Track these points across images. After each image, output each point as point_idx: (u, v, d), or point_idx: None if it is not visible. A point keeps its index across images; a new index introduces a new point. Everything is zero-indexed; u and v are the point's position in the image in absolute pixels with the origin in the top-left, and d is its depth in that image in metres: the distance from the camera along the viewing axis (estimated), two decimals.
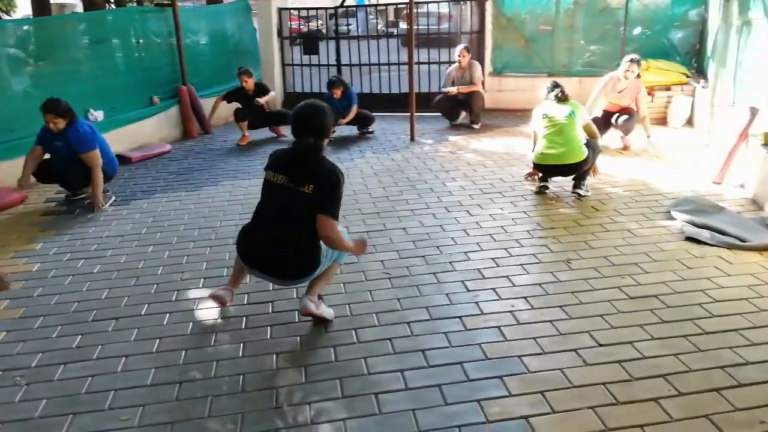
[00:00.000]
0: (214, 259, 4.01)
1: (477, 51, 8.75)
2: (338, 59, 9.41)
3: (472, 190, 5.24)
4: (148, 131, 7.34)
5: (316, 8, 9.71)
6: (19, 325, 3.23)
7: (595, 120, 5.79)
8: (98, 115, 6.65)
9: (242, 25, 9.52)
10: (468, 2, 8.94)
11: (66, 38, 6.77)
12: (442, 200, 5.01)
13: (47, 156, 5.11)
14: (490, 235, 4.24)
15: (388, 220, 4.62)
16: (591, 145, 4.90)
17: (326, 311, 3.14)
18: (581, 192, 4.94)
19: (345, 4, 9.46)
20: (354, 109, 7.45)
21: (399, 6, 11.98)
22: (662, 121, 7.51)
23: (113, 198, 5.31)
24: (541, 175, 5.16)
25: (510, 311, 3.18)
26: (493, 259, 3.85)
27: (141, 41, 7.59)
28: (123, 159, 6.69)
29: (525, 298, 3.32)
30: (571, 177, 4.98)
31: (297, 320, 3.19)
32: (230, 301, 3.26)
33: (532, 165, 5.23)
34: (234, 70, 9.23)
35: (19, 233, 4.57)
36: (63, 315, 3.33)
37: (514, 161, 6.12)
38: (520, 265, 3.74)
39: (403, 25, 13.51)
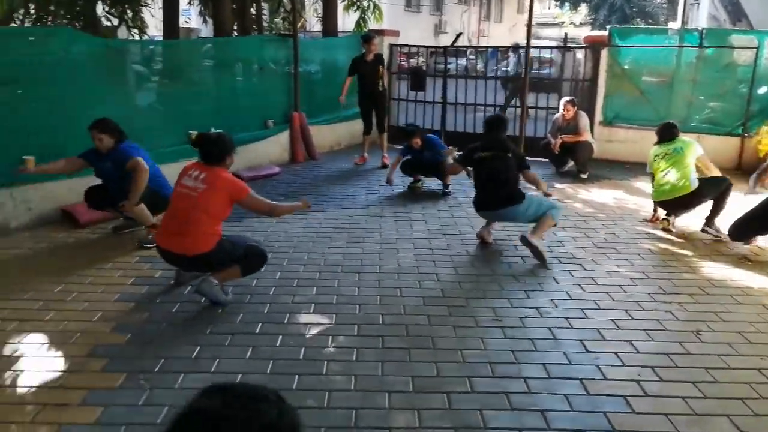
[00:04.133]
0: (323, 285, 4.04)
1: (588, 99, 8.55)
2: (444, 97, 9.46)
3: (584, 243, 5.03)
4: (260, 153, 7.64)
5: (427, 47, 9.87)
6: (142, 330, 3.37)
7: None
8: None
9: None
10: (583, 49, 8.79)
11: (194, 60, 7.23)
12: (552, 250, 4.83)
13: (99, 181, 4.88)
14: (607, 293, 4.02)
15: (497, 265, 4.51)
16: (712, 180, 5.23)
17: (545, 249, 4.55)
18: (710, 233, 5.16)
19: (456, 44, 9.52)
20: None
21: (500, 48, 12.01)
22: None
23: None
24: (661, 217, 5.48)
25: (636, 380, 2.97)
26: (612, 320, 3.63)
27: (262, 68, 7.98)
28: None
29: (652, 367, 3.09)
30: (704, 216, 5.25)
31: (408, 359, 3.13)
32: (490, 238, 4.97)
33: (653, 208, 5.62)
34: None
35: (122, 246, 4.72)
36: (180, 326, 3.44)
37: (627, 216, 5.85)
38: (644, 330, 3.51)
39: (505, 68, 13.51)
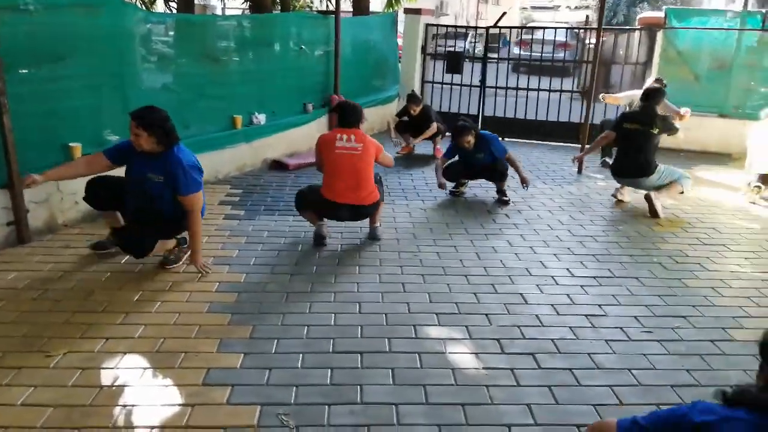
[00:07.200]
0: (435, 291, 3.57)
1: (640, 84, 8.14)
2: (483, 80, 8.97)
3: (689, 240, 4.63)
4: (299, 139, 7.08)
5: (465, 27, 9.36)
6: (255, 347, 2.88)
7: None
8: (261, 118, 6.45)
9: (387, 38, 9.30)
10: (636, 32, 8.37)
11: (232, 39, 6.60)
12: (659, 248, 4.44)
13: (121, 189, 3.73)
14: (748, 297, 3.64)
15: (613, 266, 4.08)
16: None
17: (660, 208, 5.06)
18: None
19: (500, 24, 9.03)
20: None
21: (502, 30, 11.50)
22: None
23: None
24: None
25: None
26: None
27: (301, 47, 7.40)
28: (280, 165, 6.50)
29: None
30: None
31: (577, 383, 2.69)
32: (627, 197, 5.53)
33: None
34: (374, 82, 9.06)
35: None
36: (298, 340, 2.96)
37: (713, 209, 5.47)
38: None
39: (517, 51, 13.07)
